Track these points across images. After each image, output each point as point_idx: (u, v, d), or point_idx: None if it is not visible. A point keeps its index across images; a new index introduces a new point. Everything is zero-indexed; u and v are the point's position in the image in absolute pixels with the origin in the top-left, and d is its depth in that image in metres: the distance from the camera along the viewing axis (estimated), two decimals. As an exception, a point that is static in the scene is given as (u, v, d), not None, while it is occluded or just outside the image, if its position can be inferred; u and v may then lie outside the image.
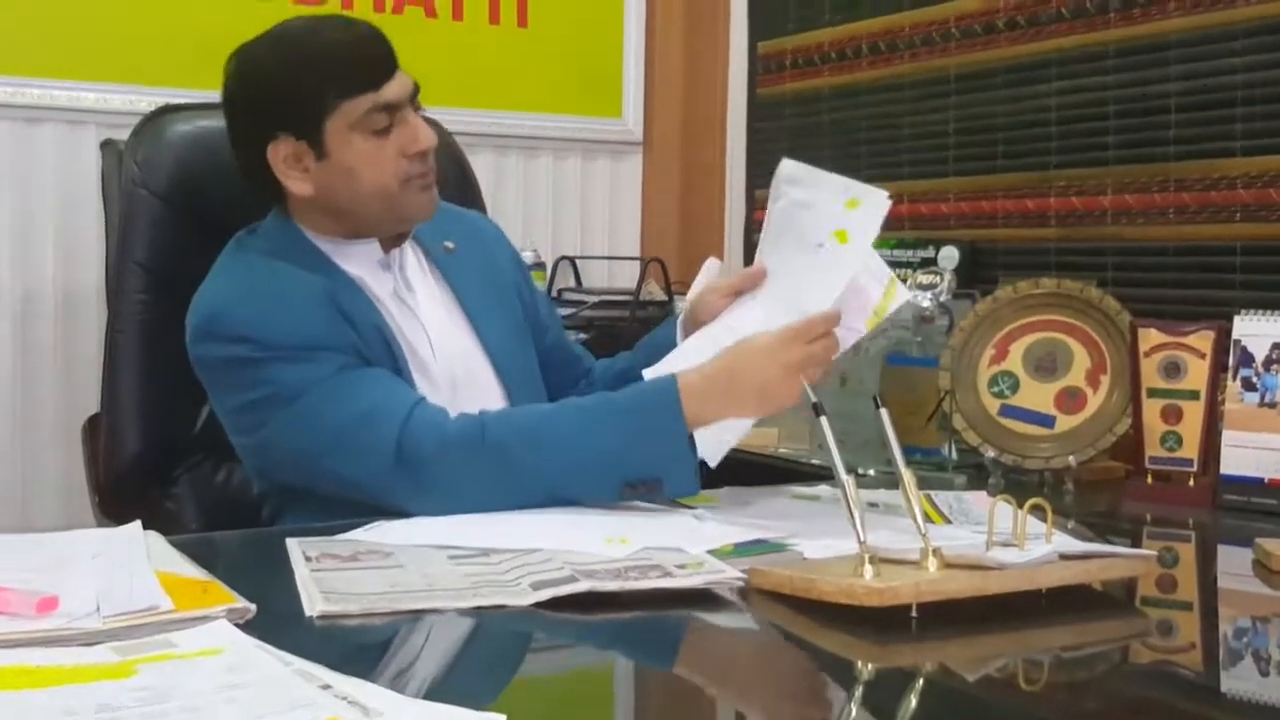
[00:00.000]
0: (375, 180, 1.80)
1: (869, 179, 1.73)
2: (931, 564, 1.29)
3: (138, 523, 1.50)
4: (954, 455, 2.18)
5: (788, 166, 1.80)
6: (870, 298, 1.72)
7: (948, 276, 2.27)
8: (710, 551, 1.45)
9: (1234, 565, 1.71)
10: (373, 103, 1.77)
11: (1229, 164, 2.40)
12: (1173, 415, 2.00)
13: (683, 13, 3.70)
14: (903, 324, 2.29)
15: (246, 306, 1.76)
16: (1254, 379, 1.92)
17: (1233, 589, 1.60)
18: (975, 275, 2.77)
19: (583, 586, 1.29)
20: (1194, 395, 1.99)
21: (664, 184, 3.73)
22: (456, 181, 2.35)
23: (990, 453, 2.11)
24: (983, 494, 1.89)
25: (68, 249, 3.03)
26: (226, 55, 1.84)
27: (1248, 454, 1.91)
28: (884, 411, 1.45)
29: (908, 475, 1.37)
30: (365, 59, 1.78)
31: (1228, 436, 1.93)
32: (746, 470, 2.09)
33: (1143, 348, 2.02)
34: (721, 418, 1.67)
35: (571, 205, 3.66)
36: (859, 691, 1.16)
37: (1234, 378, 1.94)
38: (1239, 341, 1.94)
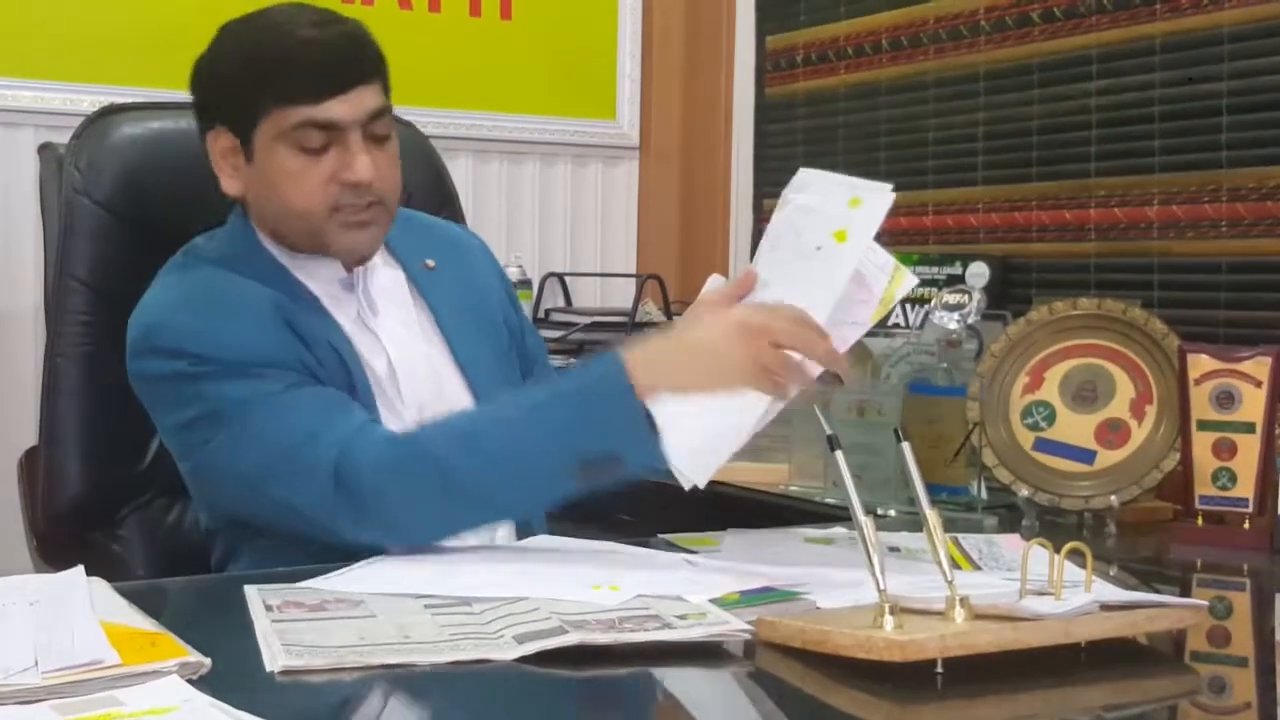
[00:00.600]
0: (296, 201, 1.80)
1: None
2: (958, 615, 1.29)
3: (80, 568, 1.50)
4: (983, 494, 2.18)
5: (800, 174, 1.82)
6: (873, 288, 1.74)
7: (977, 296, 2.28)
8: (713, 600, 1.46)
9: (1293, 616, 1.72)
10: (306, 117, 1.77)
11: (1287, 172, 2.42)
12: (1226, 450, 2.01)
13: (684, 4, 3.72)
14: (927, 349, 2.30)
15: (188, 318, 1.79)
16: (1315, 410, 1.93)
17: (1292, 643, 1.61)
18: (1007, 294, 2.78)
19: (572, 639, 1.30)
20: (1249, 428, 2.00)
21: (663, 193, 3.75)
22: (433, 190, 2.36)
23: (1024, 491, 2.11)
24: (1015, 537, 1.89)
25: (1, 264, 3.04)
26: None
27: (1309, 493, 1.92)
28: (906, 445, 1.46)
29: (932, 516, 1.37)
30: (315, 66, 1.77)
31: (1286, 473, 1.94)
32: (752, 510, 2.10)
33: (1192, 375, 2.03)
34: (676, 386, 1.62)
35: (560, 216, 3.68)
36: (878, 756, 1.17)
37: (1293, 408, 1.95)
38: (1299, 368, 1.95)
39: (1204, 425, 2.02)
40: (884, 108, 3.17)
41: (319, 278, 1.88)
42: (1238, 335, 2.33)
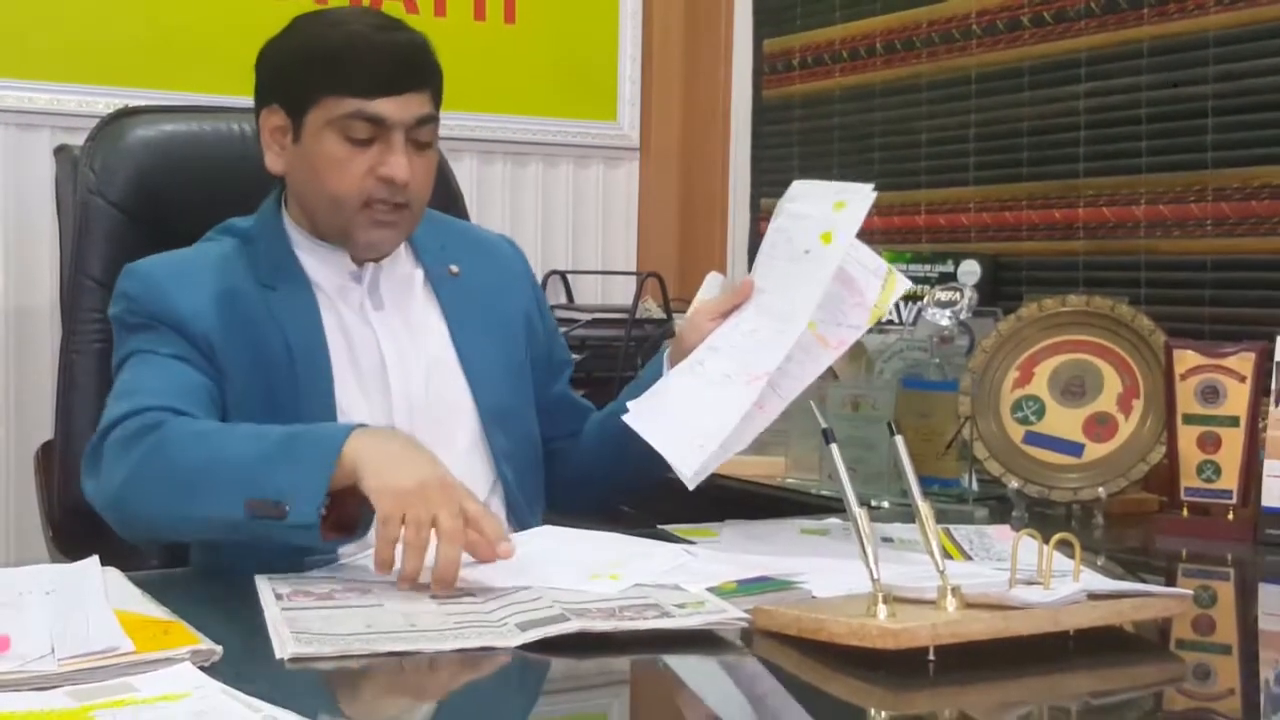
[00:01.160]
0: (333, 186, 1.84)
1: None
2: (950, 604, 1.30)
3: (95, 558, 1.51)
4: (974, 486, 2.19)
5: (794, 186, 1.87)
6: (865, 291, 1.76)
7: (968, 293, 2.28)
8: (711, 589, 1.46)
9: (1276, 605, 1.72)
10: (357, 109, 1.81)
11: (1272, 172, 2.41)
12: (1210, 443, 2.01)
13: (683, 8, 3.72)
14: (920, 345, 2.30)
15: (148, 270, 1.88)
16: (1298, 404, 1.93)
17: (1275, 631, 1.61)
18: (998, 292, 2.78)
19: (574, 627, 1.30)
20: (1233, 422, 2.00)
21: (662, 193, 3.75)
22: (437, 190, 2.35)
23: (1013, 483, 2.12)
24: (1005, 528, 1.90)
25: (18, 263, 3.03)
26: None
27: (1291, 485, 1.92)
28: (899, 439, 1.46)
29: (924, 508, 1.38)
30: (375, 63, 1.81)
31: (1270, 466, 1.94)
32: (750, 502, 2.10)
33: (1178, 370, 2.03)
34: (370, 478, 1.54)
35: (562, 216, 3.68)
36: (871, 741, 1.17)
37: (1276, 403, 1.95)
38: (1282, 364, 1.96)
39: (1189, 419, 2.02)
40: (878, 109, 3.17)
41: (330, 264, 1.91)
42: (1222, 331, 2.33)
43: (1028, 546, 1.37)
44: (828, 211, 1.79)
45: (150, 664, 1.18)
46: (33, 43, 3.02)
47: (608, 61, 3.68)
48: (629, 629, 1.32)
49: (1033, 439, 2.15)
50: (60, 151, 2.30)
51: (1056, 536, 1.36)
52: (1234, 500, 1.99)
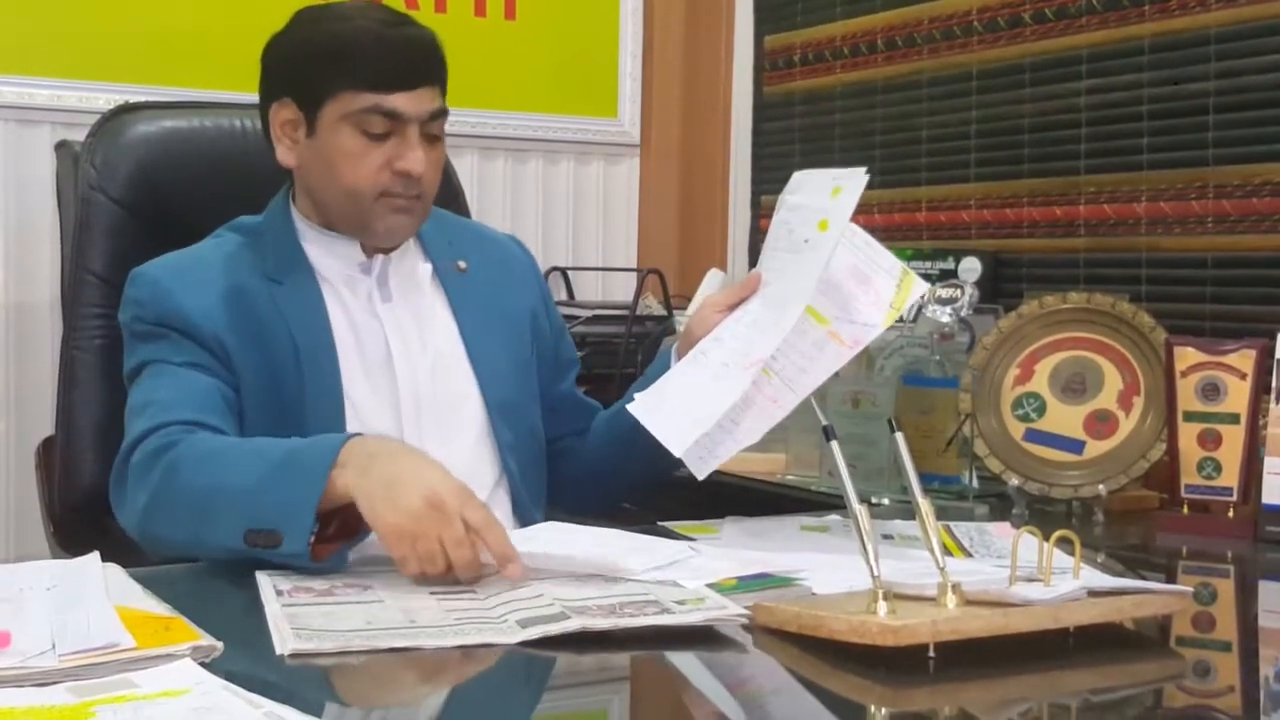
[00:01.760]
0: (350, 179, 1.85)
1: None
2: (950, 601, 1.30)
3: (95, 554, 1.51)
4: (975, 483, 2.19)
5: (795, 177, 1.87)
6: (880, 290, 1.76)
7: (969, 290, 2.28)
8: (711, 586, 1.46)
9: (1276, 602, 1.72)
10: (374, 103, 1.82)
11: (1273, 169, 2.41)
12: (1211, 440, 2.01)
13: (684, 5, 3.71)
14: (921, 342, 2.30)
15: (154, 274, 1.88)
16: (1298, 401, 1.93)
17: (1275, 628, 1.61)
18: (998, 289, 2.78)
19: (574, 625, 1.30)
20: (1234, 419, 2.00)
21: (663, 189, 3.75)
22: (439, 187, 2.36)
23: (1014, 481, 2.12)
24: (1006, 525, 1.90)
25: (19, 259, 3.03)
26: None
27: (1292, 482, 1.92)
28: (899, 436, 1.46)
29: (925, 505, 1.38)
30: (390, 59, 1.83)
31: (1270, 463, 1.94)
32: (751, 498, 2.10)
33: (1179, 367, 2.03)
34: (362, 504, 1.54)
35: (563, 212, 3.67)
36: (871, 737, 1.17)
37: (1277, 400, 1.95)
38: (1282, 361, 1.96)
39: (1190, 416, 2.02)
40: (879, 106, 3.17)
41: (338, 255, 1.92)
42: (1223, 329, 2.33)
43: (1028, 544, 1.37)
44: (825, 199, 1.79)
45: (151, 660, 1.18)
46: (34, 38, 3.02)
47: (608, 58, 3.68)
48: (629, 625, 1.32)
49: (1033, 436, 2.15)
50: (61, 147, 2.30)
51: (1057, 533, 1.36)
52: (1234, 497, 1.99)
